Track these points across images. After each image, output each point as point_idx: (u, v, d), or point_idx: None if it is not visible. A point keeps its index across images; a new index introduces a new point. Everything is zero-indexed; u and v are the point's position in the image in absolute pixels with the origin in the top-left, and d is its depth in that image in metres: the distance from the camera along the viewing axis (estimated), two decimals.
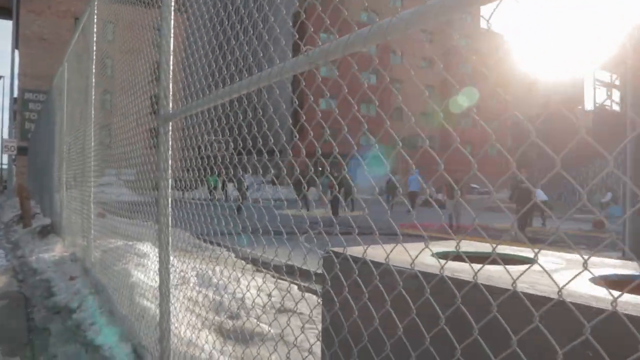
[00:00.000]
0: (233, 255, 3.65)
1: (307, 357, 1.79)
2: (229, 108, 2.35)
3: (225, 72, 1.93)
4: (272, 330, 3.34)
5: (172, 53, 2.34)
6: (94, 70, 4.81)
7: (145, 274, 3.99)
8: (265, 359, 2.81)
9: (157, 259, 3.55)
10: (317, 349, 3.32)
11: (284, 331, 1.99)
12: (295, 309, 4.09)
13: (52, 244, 7.65)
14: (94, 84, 4.81)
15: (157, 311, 2.92)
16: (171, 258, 2.42)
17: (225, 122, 2.42)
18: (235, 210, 2.29)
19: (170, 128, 2.32)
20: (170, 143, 2.31)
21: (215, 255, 5.88)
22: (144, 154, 3.61)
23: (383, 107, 1.31)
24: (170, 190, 2.36)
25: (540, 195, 13.92)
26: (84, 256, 5.43)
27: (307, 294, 2.61)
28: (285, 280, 4.44)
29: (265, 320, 3.35)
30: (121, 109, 4.28)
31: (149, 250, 4.83)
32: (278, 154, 1.68)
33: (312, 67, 1.32)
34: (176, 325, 2.65)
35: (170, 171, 2.32)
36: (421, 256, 1.23)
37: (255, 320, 3.36)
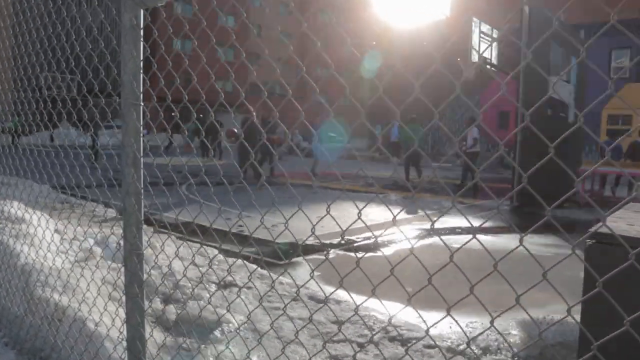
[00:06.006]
0: (116, 212, 3.21)
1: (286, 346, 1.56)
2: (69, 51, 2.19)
3: None
4: (233, 317, 2.78)
5: None
6: None
7: (32, 248, 2.98)
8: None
9: (40, 224, 3.04)
10: (303, 337, 2.73)
11: (249, 316, 1.68)
12: (241, 283, 3.25)
13: None
14: None
15: (88, 315, 2.29)
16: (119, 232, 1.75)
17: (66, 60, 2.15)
18: (93, 157, 2.02)
19: (142, 19, 1.58)
20: (142, 43, 1.59)
21: (94, 213, 4.84)
22: None
23: (240, 53, 1.37)
24: (141, 126, 1.64)
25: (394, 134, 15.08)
26: None
27: (237, 261, 2.11)
28: (204, 244, 3.73)
29: (212, 301, 2.84)
30: None
31: (24, 212, 3.73)
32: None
33: None
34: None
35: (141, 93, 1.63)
36: None
37: (202, 304, 2.79)
